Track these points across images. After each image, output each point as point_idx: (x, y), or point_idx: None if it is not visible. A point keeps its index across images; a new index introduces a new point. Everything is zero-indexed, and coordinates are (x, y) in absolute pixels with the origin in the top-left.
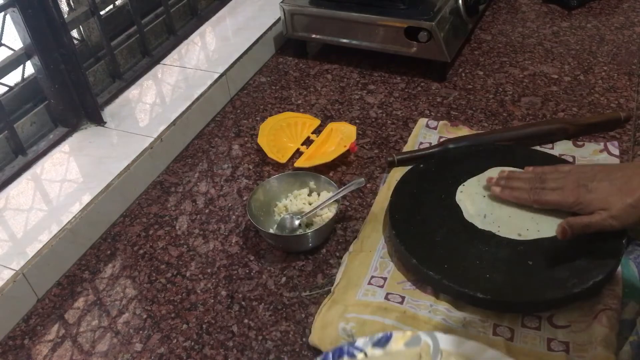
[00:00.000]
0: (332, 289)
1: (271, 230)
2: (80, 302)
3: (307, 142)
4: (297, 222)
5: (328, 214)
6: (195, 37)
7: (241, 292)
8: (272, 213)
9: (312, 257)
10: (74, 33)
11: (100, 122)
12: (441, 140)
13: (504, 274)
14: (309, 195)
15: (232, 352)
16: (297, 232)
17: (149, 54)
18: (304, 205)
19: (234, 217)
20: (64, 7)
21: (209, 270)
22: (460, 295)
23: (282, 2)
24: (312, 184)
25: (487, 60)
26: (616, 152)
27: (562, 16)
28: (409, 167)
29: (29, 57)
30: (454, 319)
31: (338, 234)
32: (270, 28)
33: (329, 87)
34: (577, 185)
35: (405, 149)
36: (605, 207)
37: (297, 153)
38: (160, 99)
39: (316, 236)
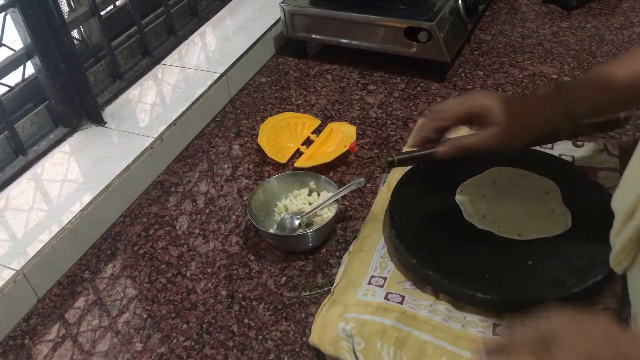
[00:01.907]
0: (332, 289)
1: (271, 230)
2: (80, 302)
3: (307, 142)
4: (297, 222)
5: (328, 214)
6: (195, 37)
7: (241, 292)
8: (272, 213)
9: (312, 257)
10: (75, 33)
11: (100, 122)
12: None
13: (504, 274)
14: (309, 195)
15: (232, 351)
16: (297, 232)
17: (150, 54)
18: (304, 205)
19: (234, 217)
20: (64, 7)
21: (209, 270)
22: (460, 295)
23: (282, 2)
24: (312, 184)
25: (487, 60)
26: (615, 152)
27: (562, 16)
28: (409, 167)
29: (29, 57)
30: (454, 319)
31: (338, 234)
32: (270, 28)
33: (329, 87)
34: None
35: (405, 149)
36: None
37: (297, 153)
38: (160, 99)
39: (316, 236)
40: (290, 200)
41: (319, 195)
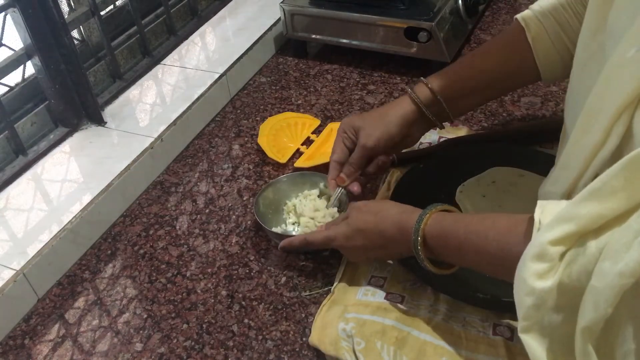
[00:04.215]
0: (332, 289)
1: (278, 229)
2: (80, 302)
3: (307, 142)
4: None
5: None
6: (195, 37)
7: (241, 292)
8: (280, 212)
9: (312, 257)
10: (75, 33)
11: (100, 122)
12: (441, 140)
13: None
14: (319, 197)
15: (232, 351)
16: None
17: (150, 54)
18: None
19: (234, 217)
20: (65, 7)
21: (209, 270)
22: (460, 295)
23: (282, 2)
24: (322, 185)
25: None
26: None
27: None
28: (409, 167)
29: (29, 57)
30: (454, 319)
31: None
32: (270, 28)
33: (329, 87)
34: None
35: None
36: None
37: (297, 153)
38: (160, 99)
39: None
40: (300, 200)
41: (329, 198)
